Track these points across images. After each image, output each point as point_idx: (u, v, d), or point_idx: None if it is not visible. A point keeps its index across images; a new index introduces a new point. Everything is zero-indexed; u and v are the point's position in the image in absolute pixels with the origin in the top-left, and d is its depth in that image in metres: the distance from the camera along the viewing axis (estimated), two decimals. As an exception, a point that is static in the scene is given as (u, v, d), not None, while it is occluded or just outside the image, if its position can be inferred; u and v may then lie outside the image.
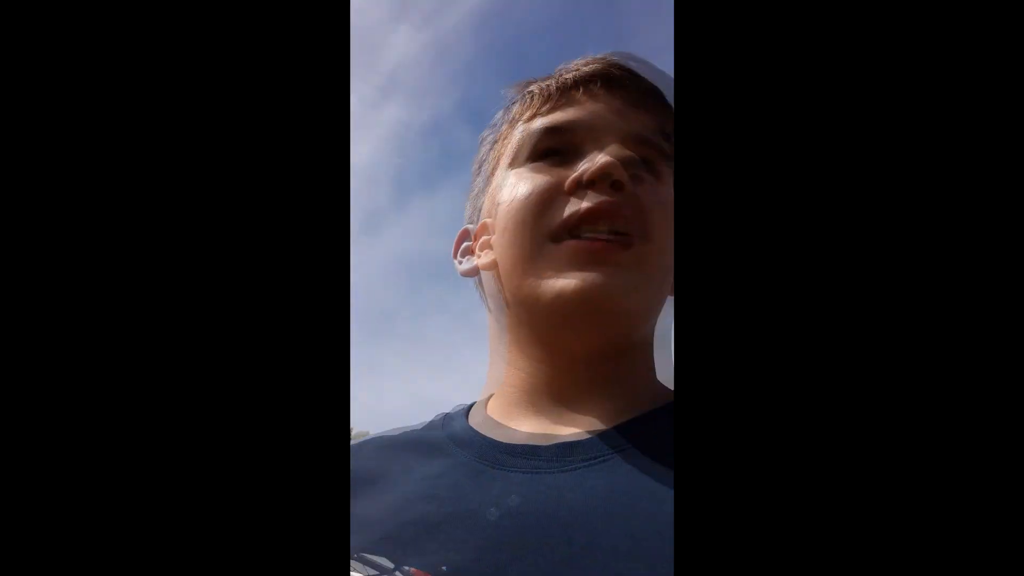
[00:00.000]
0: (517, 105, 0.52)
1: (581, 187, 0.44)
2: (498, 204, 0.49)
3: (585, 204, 0.44)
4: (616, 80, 0.49)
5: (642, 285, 0.45)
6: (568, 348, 0.46)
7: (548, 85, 0.50)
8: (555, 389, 0.46)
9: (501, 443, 0.44)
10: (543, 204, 0.45)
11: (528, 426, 0.46)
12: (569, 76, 0.49)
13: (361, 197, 10.95)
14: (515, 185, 0.47)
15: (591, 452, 0.41)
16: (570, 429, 0.44)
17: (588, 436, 0.42)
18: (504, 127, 0.53)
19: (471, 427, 0.48)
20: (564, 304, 0.43)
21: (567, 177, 0.45)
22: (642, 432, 0.42)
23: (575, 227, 0.44)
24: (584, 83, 0.49)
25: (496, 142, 0.54)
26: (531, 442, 0.44)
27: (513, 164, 0.49)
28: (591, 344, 0.45)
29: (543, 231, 0.45)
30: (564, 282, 0.43)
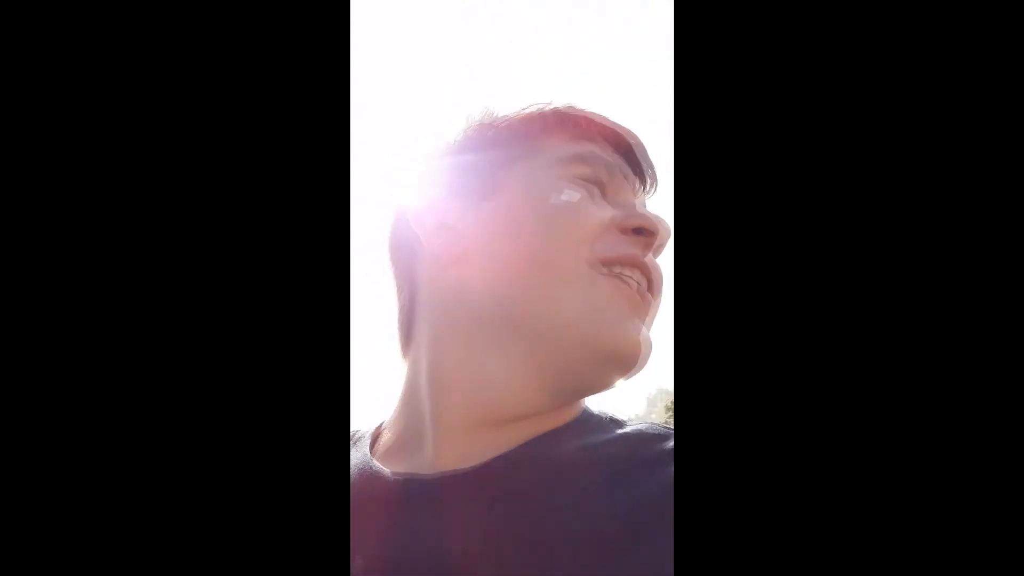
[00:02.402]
0: (540, 116, 0.48)
1: (632, 231, 0.45)
2: (529, 207, 0.44)
3: (634, 249, 0.44)
4: (632, 146, 0.49)
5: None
6: (589, 387, 0.44)
7: (582, 115, 0.48)
8: (519, 411, 0.43)
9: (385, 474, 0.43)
10: (597, 232, 0.44)
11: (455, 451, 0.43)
12: (597, 117, 0.48)
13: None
14: (567, 200, 0.44)
15: (472, 486, 0.40)
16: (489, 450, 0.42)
17: (472, 467, 0.41)
18: (525, 125, 0.48)
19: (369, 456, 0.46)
20: (627, 351, 0.42)
21: (611, 213, 0.45)
22: (535, 452, 0.41)
23: (615, 265, 0.44)
24: (606, 133, 0.48)
25: (522, 126, 0.48)
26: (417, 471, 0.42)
27: (551, 169, 0.46)
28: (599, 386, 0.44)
29: (586, 256, 0.43)
30: (630, 331, 0.42)
